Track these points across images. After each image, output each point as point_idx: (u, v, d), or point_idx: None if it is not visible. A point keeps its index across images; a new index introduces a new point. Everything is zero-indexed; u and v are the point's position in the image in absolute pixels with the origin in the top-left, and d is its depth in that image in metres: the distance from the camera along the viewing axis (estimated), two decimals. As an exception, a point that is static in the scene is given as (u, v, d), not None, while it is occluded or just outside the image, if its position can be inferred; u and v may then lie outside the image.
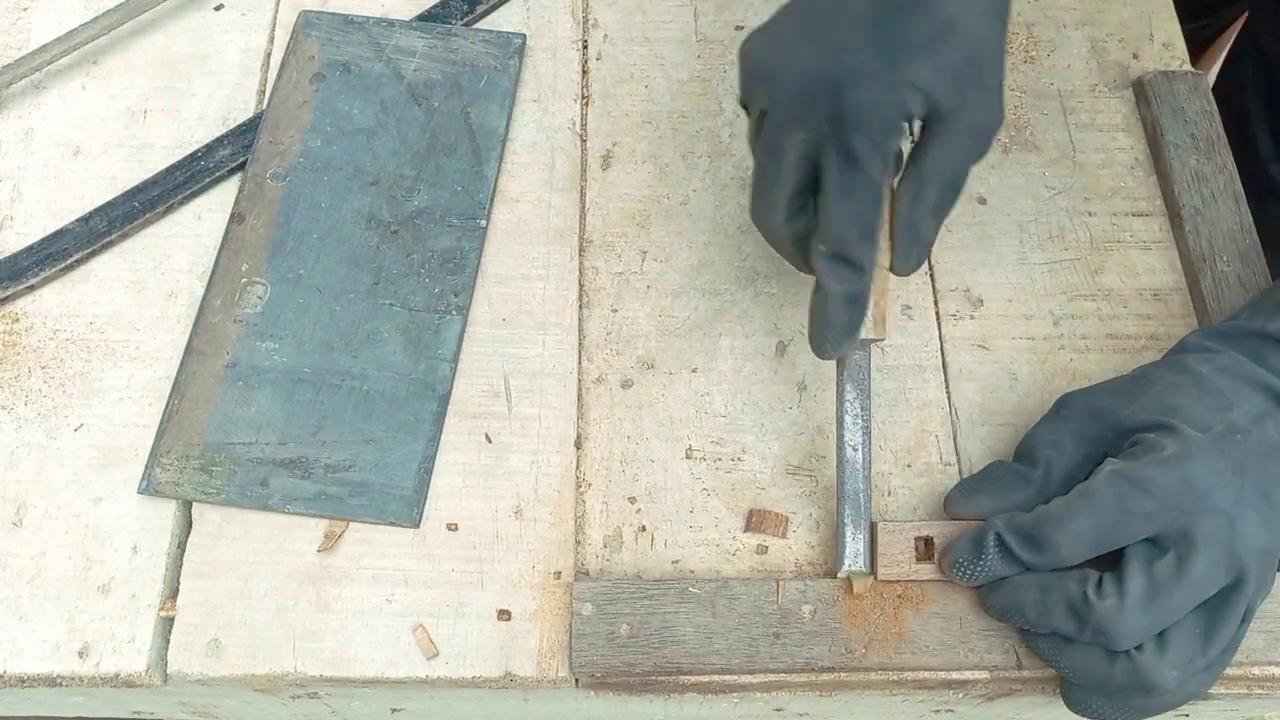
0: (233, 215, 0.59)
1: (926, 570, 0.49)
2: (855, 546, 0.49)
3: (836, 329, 0.48)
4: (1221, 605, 0.44)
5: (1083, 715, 0.48)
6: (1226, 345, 0.49)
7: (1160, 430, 0.47)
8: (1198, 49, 1.03)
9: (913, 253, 0.48)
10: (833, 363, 0.55)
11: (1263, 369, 0.47)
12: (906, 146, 0.49)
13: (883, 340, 0.51)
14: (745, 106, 0.50)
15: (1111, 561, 0.45)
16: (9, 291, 0.57)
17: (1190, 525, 0.44)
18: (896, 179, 0.49)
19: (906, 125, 0.46)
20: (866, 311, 0.48)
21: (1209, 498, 0.44)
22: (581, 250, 0.59)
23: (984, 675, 0.49)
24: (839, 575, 0.49)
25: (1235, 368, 0.48)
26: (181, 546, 0.51)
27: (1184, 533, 0.44)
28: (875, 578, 0.49)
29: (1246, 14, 0.89)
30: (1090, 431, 0.49)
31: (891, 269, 0.49)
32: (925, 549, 0.49)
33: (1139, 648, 0.44)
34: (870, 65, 0.45)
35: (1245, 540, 0.44)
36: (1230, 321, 0.51)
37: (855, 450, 0.50)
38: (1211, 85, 0.87)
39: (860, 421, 0.50)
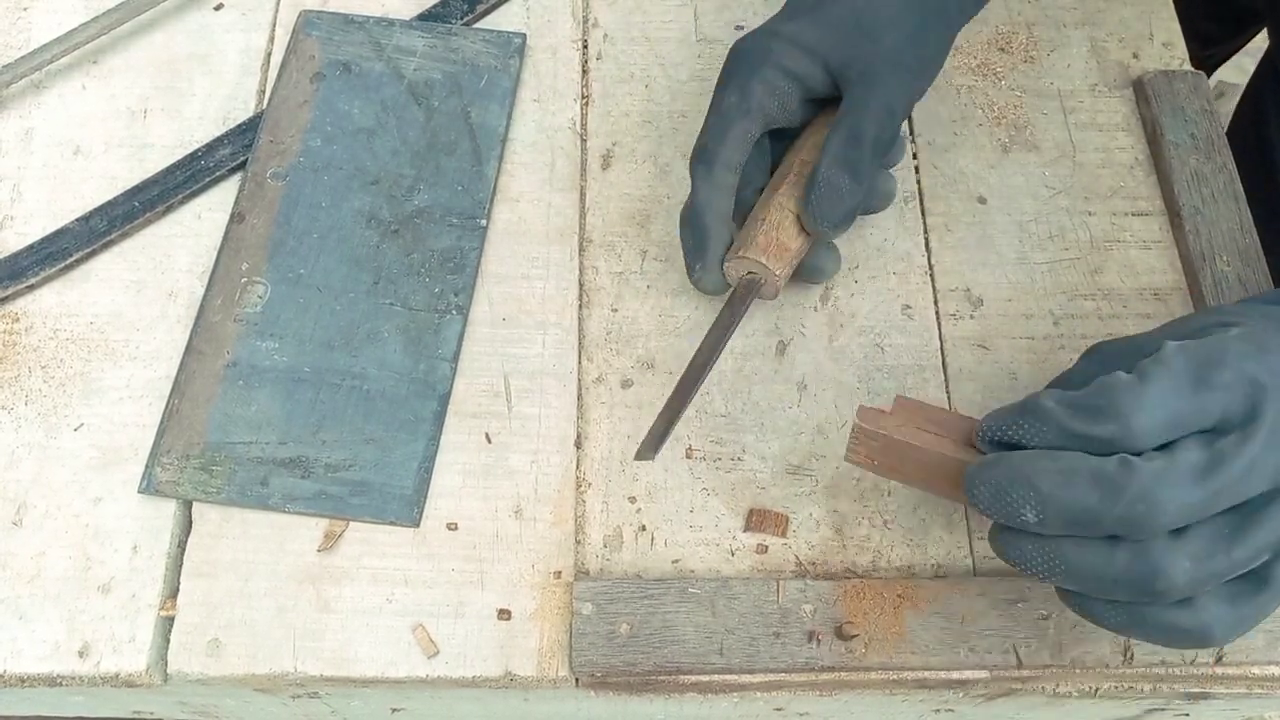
0: (233, 215, 0.59)
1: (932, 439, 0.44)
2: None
3: (685, 250, 0.53)
4: (1264, 505, 0.38)
5: (1085, 617, 0.42)
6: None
7: (1220, 328, 0.41)
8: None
9: (814, 201, 0.50)
10: (833, 364, 0.55)
11: None
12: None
13: (776, 275, 0.51)
14: None
15: None
16: (9, 291, 0.57)
17: (1263, 402, 0.38)
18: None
19: (782, 77, 0.52)
20: (706, 232, 0.52)
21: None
22: (581, 250, 0.59)
23: (984, 675, 0.49)
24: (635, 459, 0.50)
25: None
26: (181, 546, 0.51)
27: (1254, 411, 0.38)
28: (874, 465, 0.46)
29: (1266, 28, 0.90)
30: (1126, 363, 0.41)
31: (803, 222, 0.52)
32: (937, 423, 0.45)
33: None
34: (756, 29, 0.54)
35: None
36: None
37: (702, 354, 0.51)
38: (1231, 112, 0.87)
39: (713, 335, 0.51)
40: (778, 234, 0.51)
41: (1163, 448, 0.38)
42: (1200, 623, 0.39)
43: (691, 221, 0.52)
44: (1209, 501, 0.37)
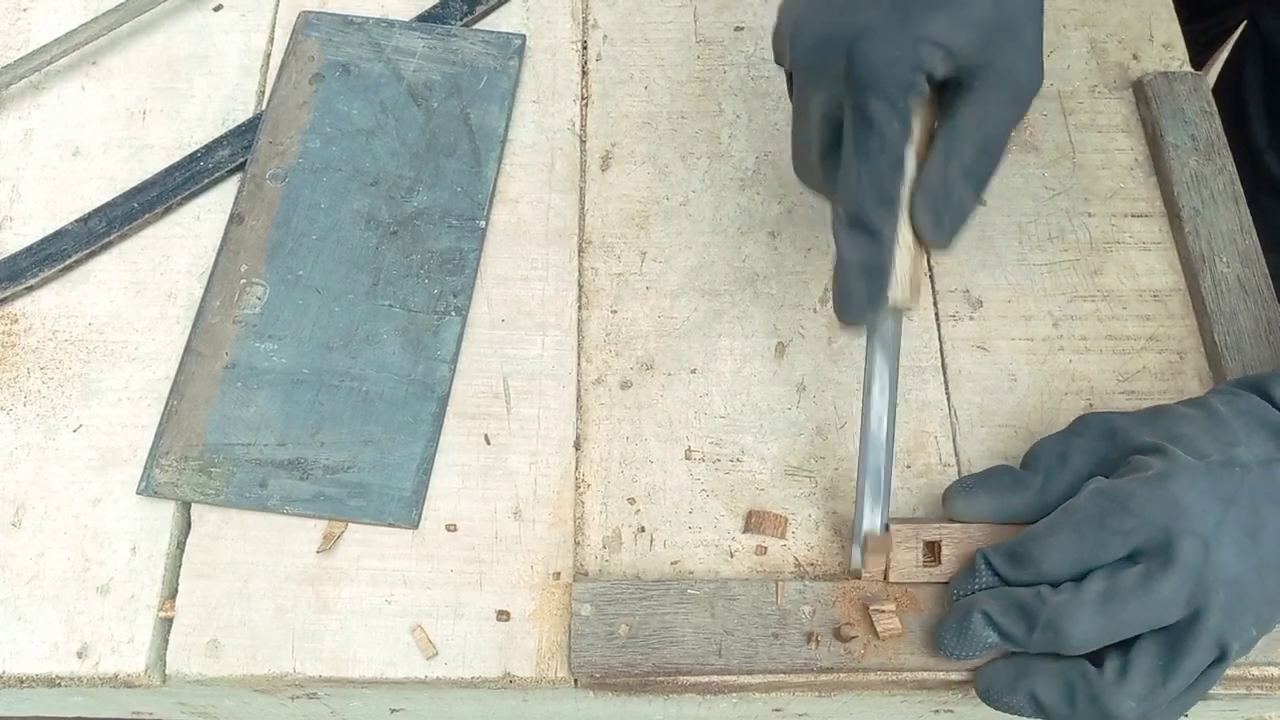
0: (232, 216, 0.59)
1: (934, 573, 0.49)
2: (872, 524, 0.49)
3: (856, 298, 0.47)
4: (1184, 635, 0.43)
5: None
6: (1253, 391, 0.48)
7: (1154, 452, 0.46)
8: (1201, 51, 1.02)
9: (944, 218, 0.46)
10: (832, 365, 0.55)
11: None
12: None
13: (911, 308, 0.48)
14: (780, 63, 0.50)
15: None
16: (8, 292, 0.57)
17: (1166, 543, 0.43)
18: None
19: (926, 84, 0.44)
20: (888, 280, 0.46)
21: (1187, 518, 0.43)
22: (581, 251, 0.59)
23: (983, 676, 0.49)
24: (851, 567, 0.49)
25: (1254, 411, 0.47)
26: (180, 547, 0.51)
27: (1159, 549, 0.43)
28: (887, 579, 0.49)
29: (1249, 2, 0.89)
30: (1099, 449, 0.49)
31: (921, 237, 0.47)
32: (932, 553, 0.49)
33: (1100, 672, 0.44)
34: (884, 22, 0.43)
35: (1217, 568, 0.43)
36: (1265, 372, 0.51)
37: (880, 422, 0.49)
38: (1213, 84, 0.86)
39: (886, 393, 0.49)
40: (916, 266, 0.48)
41: (1081, 577, 0.45)
42: None
43: (875, 270, 0.46)
44: (1110, 625, 0.43)
